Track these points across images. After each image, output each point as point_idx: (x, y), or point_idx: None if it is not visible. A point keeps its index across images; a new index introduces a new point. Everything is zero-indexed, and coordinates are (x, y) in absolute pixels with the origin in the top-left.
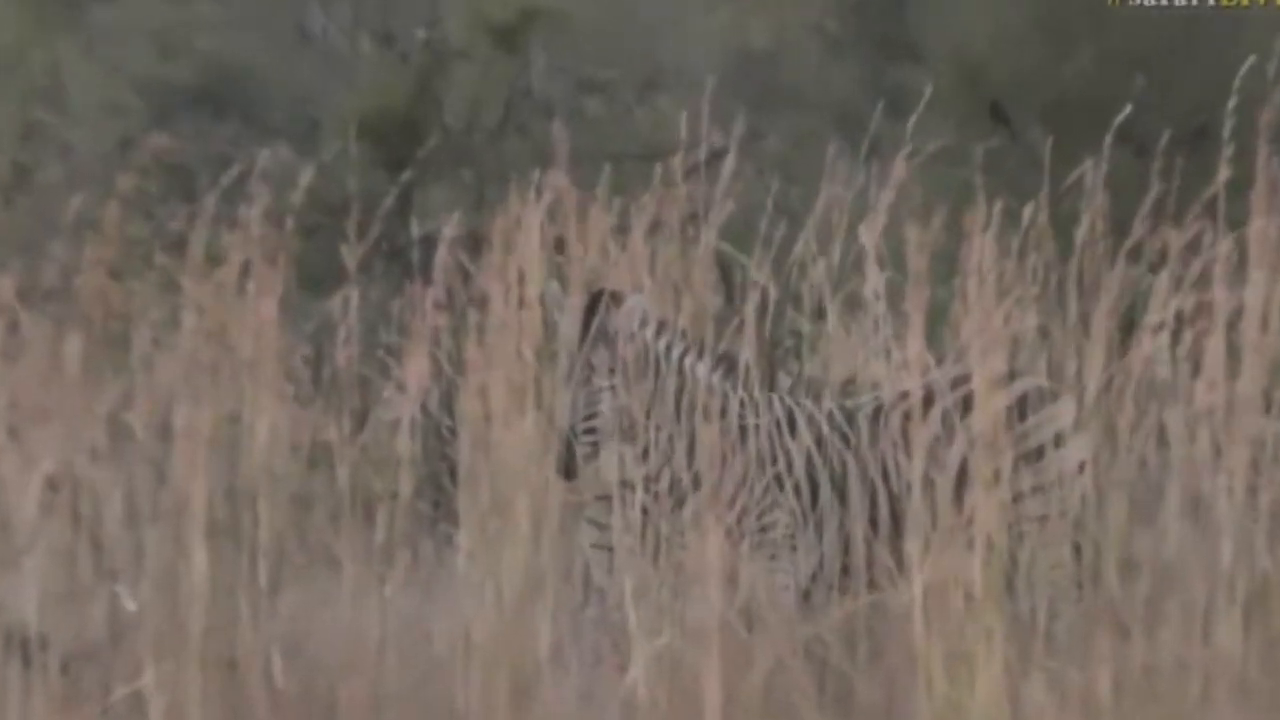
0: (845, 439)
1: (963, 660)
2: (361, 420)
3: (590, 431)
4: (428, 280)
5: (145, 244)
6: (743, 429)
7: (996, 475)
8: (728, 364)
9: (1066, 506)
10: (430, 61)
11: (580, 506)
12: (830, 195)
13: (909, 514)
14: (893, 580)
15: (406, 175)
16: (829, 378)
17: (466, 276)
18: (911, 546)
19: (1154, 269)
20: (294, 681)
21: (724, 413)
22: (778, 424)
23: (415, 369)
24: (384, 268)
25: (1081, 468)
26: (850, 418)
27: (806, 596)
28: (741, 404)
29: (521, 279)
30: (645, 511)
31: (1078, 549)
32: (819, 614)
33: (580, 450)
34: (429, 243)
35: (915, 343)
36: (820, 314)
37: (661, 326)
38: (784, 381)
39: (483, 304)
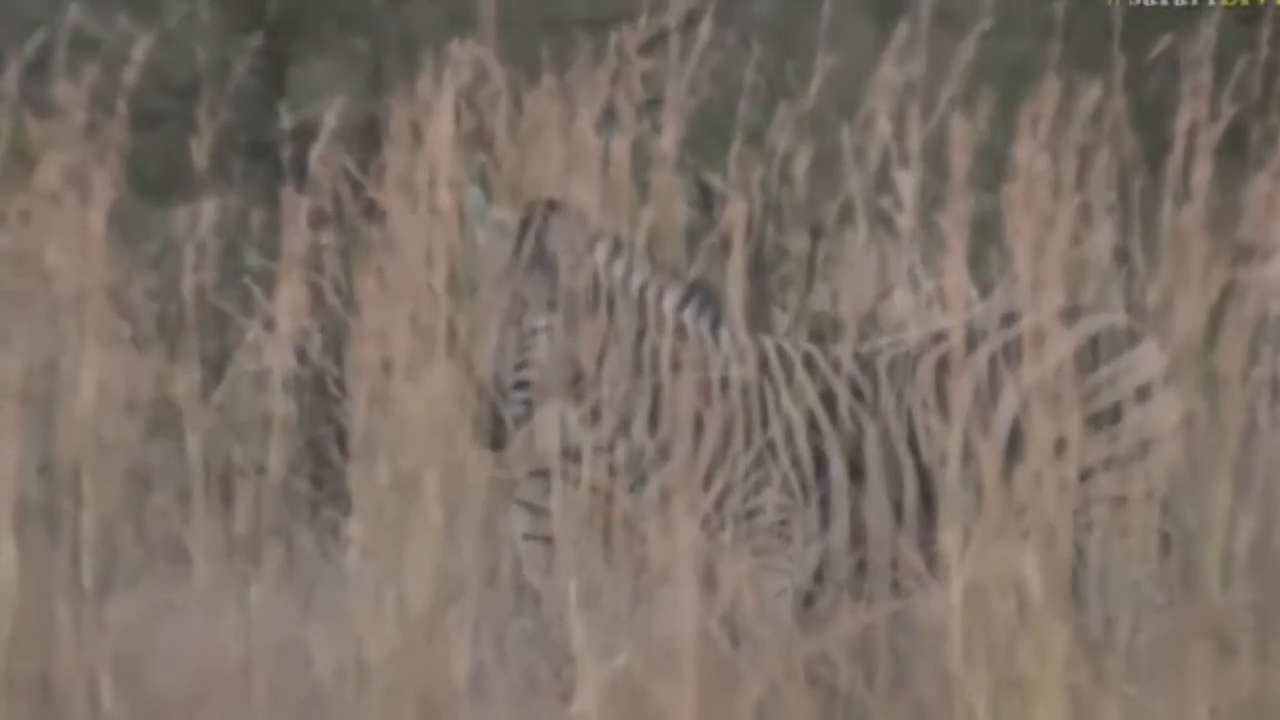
0: (860, 395)
1: (1014, 686)
2: (219, 371)
3: (522, 386)
4: (305, 185)
5: None
6: (724, 382)
7: (1059, 443)
8: (703, 296)
9: (1151, 484)
10: None
11: (510, 485)
12: (834, 70)
13: (944, 494)
14: (923, 582)
15: (259, 41)
16: (839, 314)
17: (357, 181)
18: (948, 537)
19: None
20: (127, 711)
21: (699, 361)
22: (770, 375)
23: (289, 303)
24: (247, 169)
25: (1171, 432)
26: (867, 367)
27: (809, 602)
28: (722, 349)
29: (431, 184)
30: (595, 491)
31: (1166, 540)
32: (825, 625)
33: (509, 411)
34: (306, 135)
35: (954, 268)
36: (822, 231)
37: (616, 247)
38: (779, 319)
39: (380, 217)
